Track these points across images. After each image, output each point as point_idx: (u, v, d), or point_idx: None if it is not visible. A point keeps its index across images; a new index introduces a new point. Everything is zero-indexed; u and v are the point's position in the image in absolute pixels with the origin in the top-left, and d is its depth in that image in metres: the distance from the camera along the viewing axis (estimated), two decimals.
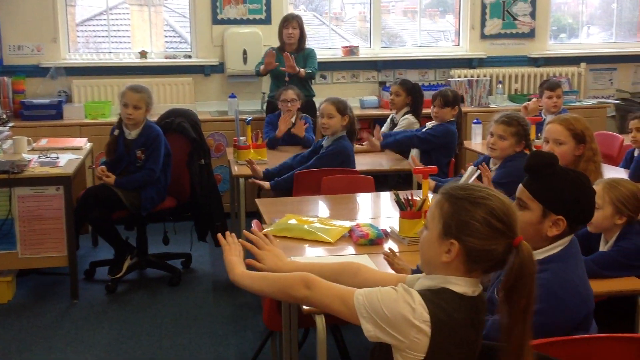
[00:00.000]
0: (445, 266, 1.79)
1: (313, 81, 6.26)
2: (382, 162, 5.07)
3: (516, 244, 1.75)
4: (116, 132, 4.83)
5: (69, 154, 4.86)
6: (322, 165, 4.46)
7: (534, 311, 2.10)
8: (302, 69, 5.92)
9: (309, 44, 6.32)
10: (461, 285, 1.77)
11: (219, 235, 2.16)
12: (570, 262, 2.24)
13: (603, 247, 2.90)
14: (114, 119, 5.80)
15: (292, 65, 5.82)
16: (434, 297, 1.74)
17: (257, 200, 4.01)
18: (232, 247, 2.10)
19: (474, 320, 1.76)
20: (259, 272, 2.03)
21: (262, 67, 6.04)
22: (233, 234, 2.16)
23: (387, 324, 1.72)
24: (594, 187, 2.35)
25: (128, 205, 4.70)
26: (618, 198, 2.82)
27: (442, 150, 5.06)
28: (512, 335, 1.72)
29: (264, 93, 6.52)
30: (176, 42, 7.33)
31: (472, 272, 1.79)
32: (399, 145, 5.15)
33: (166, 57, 6.67)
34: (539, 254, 2.24)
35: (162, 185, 4.83)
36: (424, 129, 5.14)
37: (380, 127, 5.49)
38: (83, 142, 5.26)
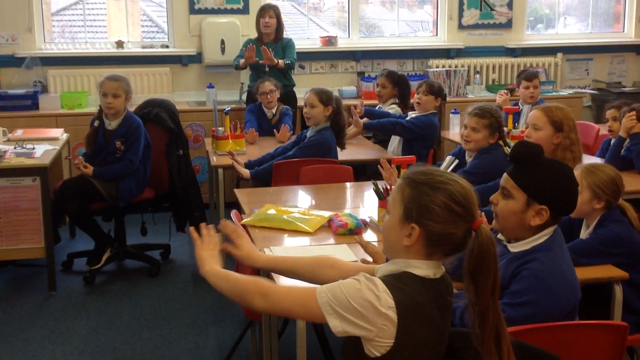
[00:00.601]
0: (406, 250, 1.81)
1: (292, 71, 6.24)
2: (361, 152, 5.06)
3: (475, 228, 1.77)
4: (96, 123, 4.78)
5: (45, 144, 4.81)
6: (303, 155, 4.45)
7: (524, 302, 2.14)
8: (280, 60, 5.89)
9: (287, 34, 6.30)
10: (422, 269, 1.79)
11: (191, 228, 2.07)
12: (557, 251, 2.27)
13: (584, 232, 2.93)
14: (90, 109, 5.76)
15: (269, 57, 5.78)
16: (396, 282, 1.75)
17: (236, 190, 4.00)
18: (205, 241, 2.03)
19: (438, 302, 1.78)
20: (224, 271, 1.94)
21: (241, 61, 5.99)
22: (210, 226, 2.09)
23: (353, 315, 1.71)
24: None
25: (106, 196, 4.66)
26: (595, 183, 2.84)
27: (423, 141, 5.06)
28: (486, 320, 1.73)
29: (242, 83, 6.49)
30: (153, 31, 7.29)
31: (432, 255, 1.80)
32: (382, 128, 5.15)
33: (143, 47, 6.61)
34: (525, 244, 2.28)
35: (142, 176, 4.80)
36: (407, 118, 5.14)
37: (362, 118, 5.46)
38: (59, 133, 5.22)
